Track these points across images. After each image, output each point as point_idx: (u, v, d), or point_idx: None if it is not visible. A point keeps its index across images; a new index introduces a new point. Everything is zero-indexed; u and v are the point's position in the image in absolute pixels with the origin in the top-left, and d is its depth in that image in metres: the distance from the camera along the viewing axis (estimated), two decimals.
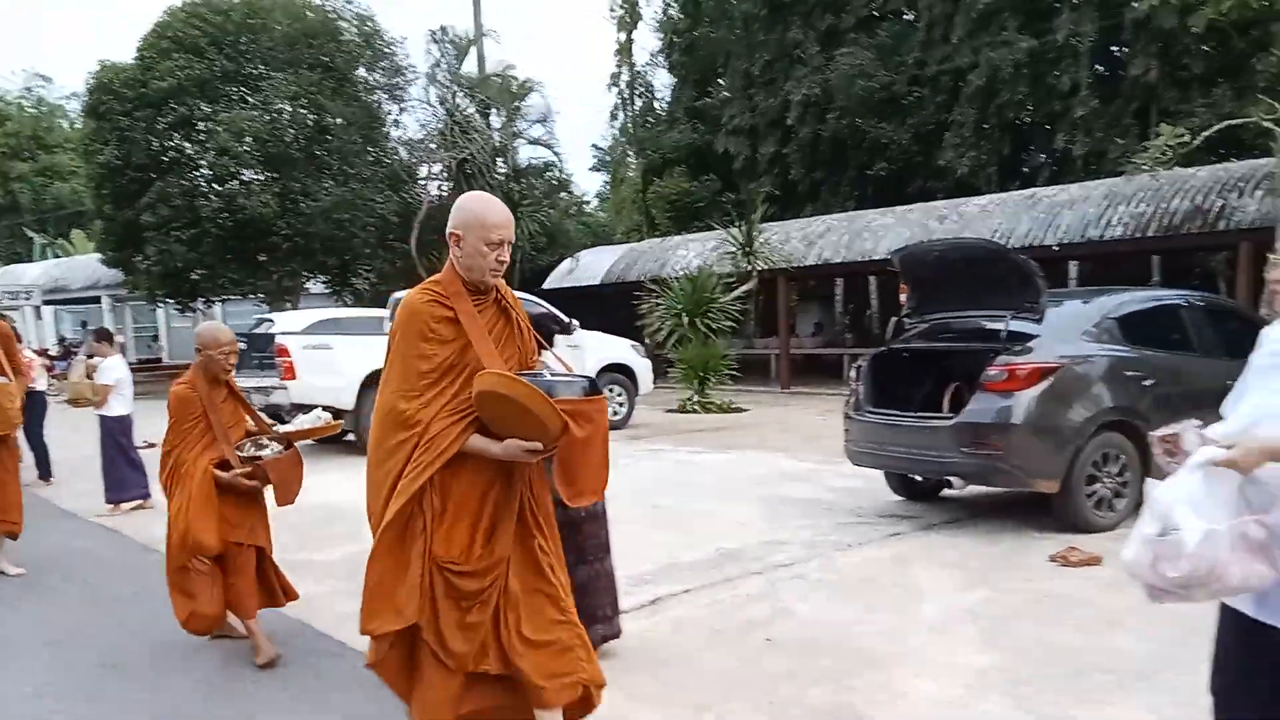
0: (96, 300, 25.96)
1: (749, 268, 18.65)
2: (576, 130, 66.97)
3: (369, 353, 10.33)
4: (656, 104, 32.24)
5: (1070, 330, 6.66)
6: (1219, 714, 2.41)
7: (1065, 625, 4.70)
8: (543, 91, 24.63)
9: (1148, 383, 6.60)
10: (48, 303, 27.00)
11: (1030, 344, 6.49)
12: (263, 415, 4.92)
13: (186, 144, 19.39)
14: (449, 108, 22.81)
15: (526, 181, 25.38)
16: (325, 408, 5.79)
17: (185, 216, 19.10)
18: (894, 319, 8.12)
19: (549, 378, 2.85)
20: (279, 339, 10.89)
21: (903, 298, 7.75)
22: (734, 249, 18.80)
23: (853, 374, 7.49)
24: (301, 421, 4.86)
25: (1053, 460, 6.28)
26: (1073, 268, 21.39)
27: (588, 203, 36.88)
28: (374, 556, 2.82)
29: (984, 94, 22.47)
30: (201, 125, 19.43)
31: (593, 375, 2.53)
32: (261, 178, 19.48)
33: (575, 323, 13.02)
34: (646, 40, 33.59)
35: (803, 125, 25.92)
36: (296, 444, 4.74)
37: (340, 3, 22.22)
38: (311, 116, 20.04)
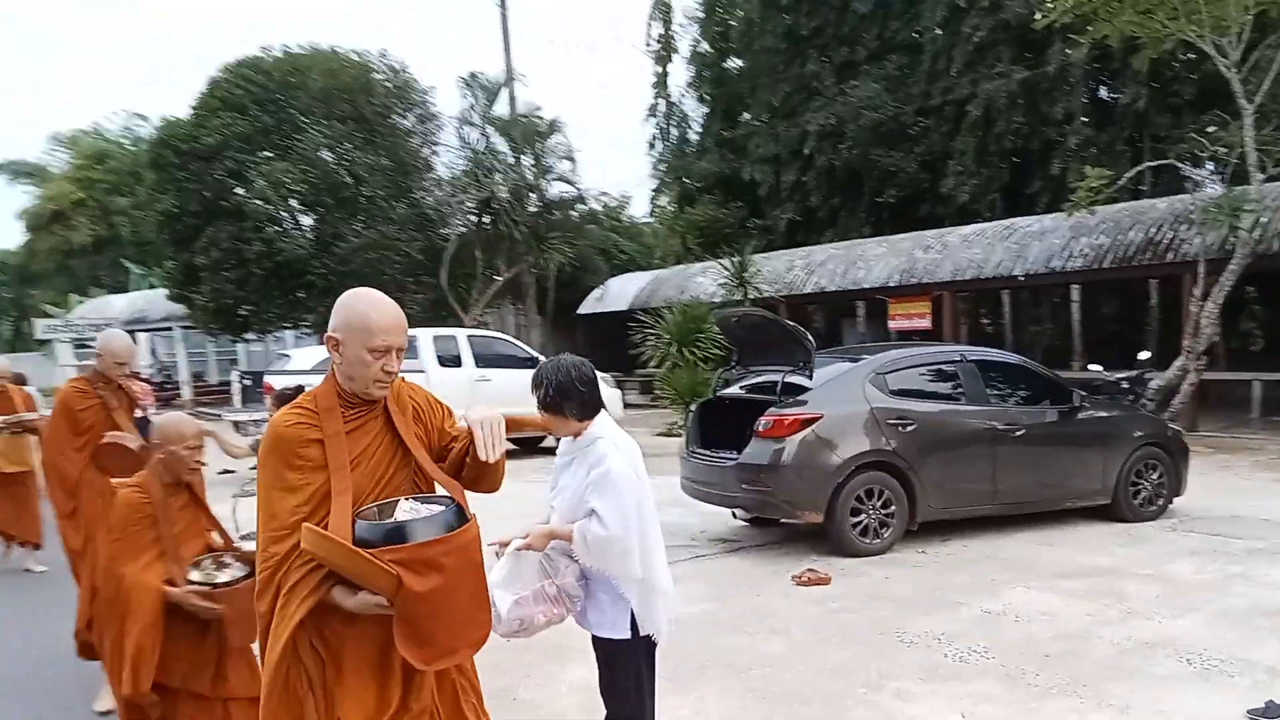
0: (169, 329, 28.60)
1: (741, 297, 19.84)
2: (621, 160, 68.86)
3: None
4: (691, 134, 33.54)
5: (841, 384, 7.85)
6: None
7: (739, 632, 5.95)
8: (564, 131, 26.15)
9: (909, 428, 7.75)
10: (130, 332, 29.77)
11: (804, 395, 7.72)
12: (229, 529, 4.06)
13: (234, 193, 21.55)
14: (475, 149, 24.57)
15: (560, 214, 26.96)
16: None
17: (233, 258, 21.29)
18: (719, 371, 9.32)
19: (398, 519, 2.40)
20: (266, 379, 12.63)
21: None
22: (722, 278, 20.01)
23: (682, 420, 8.78)
24: None
25: (815, 495, 7.50)
26: (1075, 291, 22.05)
27: (640, 226, 38.41)
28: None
29: (983, 123, 23.23)
30: (246, 176, 21.58)
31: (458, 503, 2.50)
32: (297, 223, 21.59)
33: (541, 357, 14.49)
34: (682, 74, 34.79)
35: (819, 154, 26.94)
36: None
37: (374, 55, 24.25)
38: (344, 165, 22.02)
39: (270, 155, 22.00)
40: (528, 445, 15.24)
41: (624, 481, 3.34)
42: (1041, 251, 17.51)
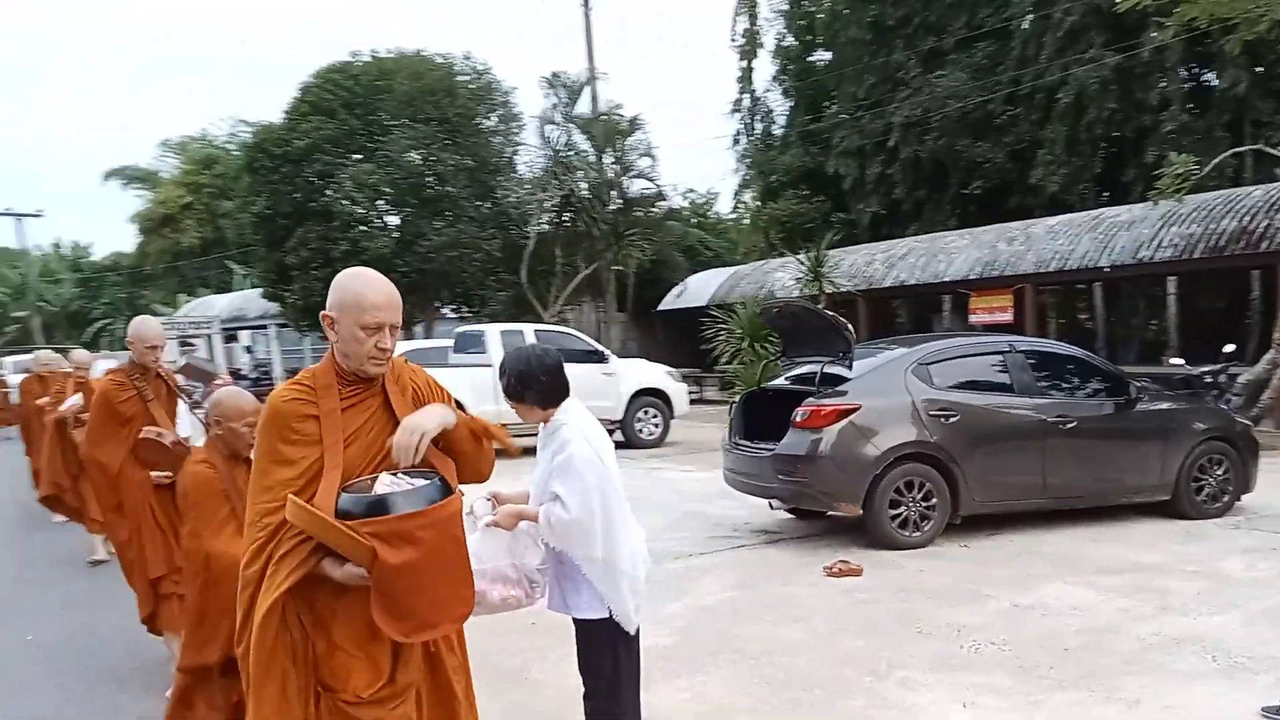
0: (265, 328, 29.71)
1: (816, 291, 19.66)
2: (704, 157, 68.67)
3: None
4: (775, 129, 33.27)
5: (881, 374, 7.76)
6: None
7: (760, 620, 5.96)
8: (644, 128, 26.22)
9: (952, 420, 7.61)
10: (229, 331, 31.15)
11: (843, 386, 7.65)
12: None
13: (322, 195, 22.25)
14: (556, 147, 24.87)
15: (642, 212, 27.06)
16: None
17: (320, 258, 21.99)
18: (763, 362, 9.27)
19: (378, 493, 2.41)
20: None
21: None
22: (800, 274, 19.86)
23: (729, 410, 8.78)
24: None
25: (852, 486, 7.43)
26: (1171, 283, 21.17)
27: (727, 222, 38.34)
28: (249, 696, 2.52)
29: (1074, 110, 22.48)
30: (334, 178, 22.27)
31: (439, 480, 2.50)
32: (382, 223, 22.17)
33: (608, 351, 14.65)
34: (766, 68, 34.60)
35: (904, 146, 26.47)
36: None
37: (459, 58, 24.75)
38: (428, 166, 22.55)
39: (359, 157, 22.65)
40: None
41: (586, 466, 3.40)
42: (1129, 242, 16.91)
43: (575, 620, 3.62)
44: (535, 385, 3.47)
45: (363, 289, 2.56)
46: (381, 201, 22.74)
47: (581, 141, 26.23)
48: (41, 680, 5.60)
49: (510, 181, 24.59)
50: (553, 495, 3.41)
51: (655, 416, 15.04)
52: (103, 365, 12.54)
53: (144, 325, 5.26)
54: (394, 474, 2.50)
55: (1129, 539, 7.61)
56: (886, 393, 7.63)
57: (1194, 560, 6.90)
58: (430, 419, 2.59)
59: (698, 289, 27.25)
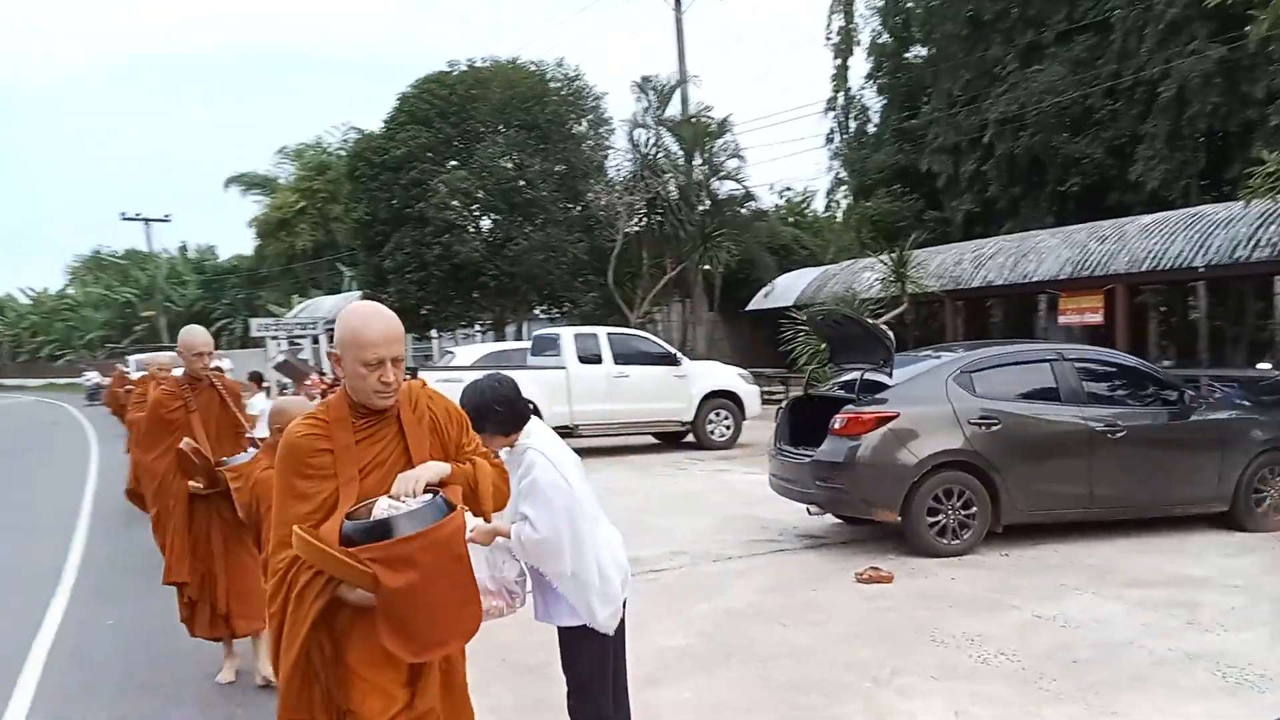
0: None
1: (899, 292, 19.46)
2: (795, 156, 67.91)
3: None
4: (869, 127, 32.92)
5: (921, 382, 7.77)
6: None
7: (778, 624, 6.10)
8: (733, 129, 26.32)
9: (993, 428, 7.59)
10: (331, 331, 32.56)
11: (883, 394, 7.71)
12: None
13: (417, 201, 23.05)
14: (644, 150, 25.19)
15: (730, 212, 27.17)
16: None
17: (415, 261, 22.81)
18: (809, 369, 9.34)
19: (377, 517, 2.45)
20: (420, 373, 13.57)
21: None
22: (886, 274, 19.68)
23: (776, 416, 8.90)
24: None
25: (889, 493, 7.48)
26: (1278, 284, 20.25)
27: (821, 221, 38.05)
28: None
29: (1176, 104, 21.65)
30: (428, 184, 23.05)
31: (440, 497, 2.55)
32: (476, 228, 22.88)
33: (680, 354, 14.86)
34: (861, 66, 34.13)
35: (1000, 142, 25.90)
36: None
37: (551, 64, 25.30)
38: (518, 171, 23.14)
39: (454, 164, 23.39)
40: (670, 439, 15.64)
41: (550, 488, 3.59)
42: (1225, 241, 16.27)
43: (558, 628, 3.86)
44: (492, 416, 3.60)
45: (360, 326, 2.56)
46: (475, 206, 23.47)
47: (671, 143, 26.51)
48: (112, 661, 6.13)
49: (599, 185, 25.00)
50: (521, 516, 3.64)
51: (727, 418, 15.18)
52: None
53: (189, 333, 5.36)
54: (389, 496, 2.54)
55: (1178, 551, 7.47)
56: (926, 400, 7.64)
57: (1239, 574, 6.75)
58: (426, 472, 2.64)
59: (785, 289, 27.19)
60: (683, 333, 27.12)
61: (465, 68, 25.09)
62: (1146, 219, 18.95)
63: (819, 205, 39.01)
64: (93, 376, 41.23)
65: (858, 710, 4.71)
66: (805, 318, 18.78)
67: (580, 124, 25.31)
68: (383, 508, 2.48)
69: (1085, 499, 7.78)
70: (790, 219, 37.31)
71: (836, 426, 7.62)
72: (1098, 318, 18.10)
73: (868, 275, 23.97)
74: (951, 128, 27.85)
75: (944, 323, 22.33)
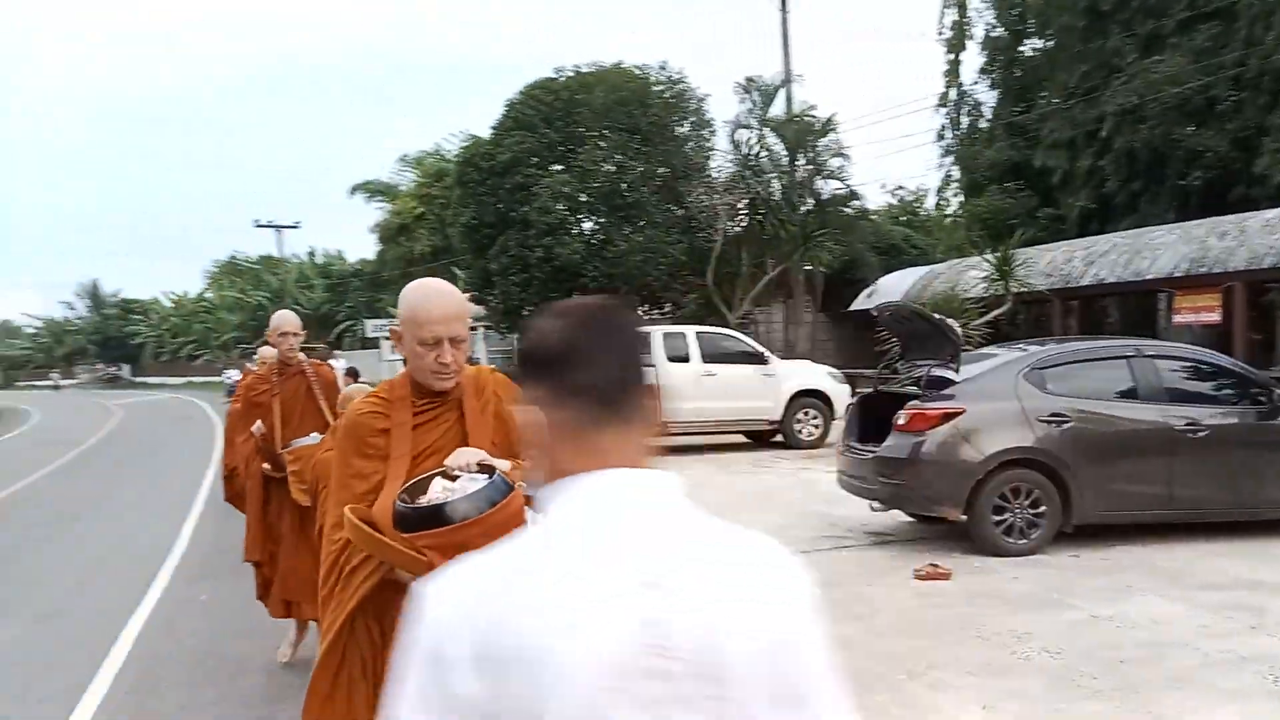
0: (474, 329, 31.73)
1: (1003, 291, 18.96)
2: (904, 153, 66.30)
3: None
4: (981, 123, 32.11)
5: (990, 378, 7.65)
6: None
7: (824, 617, 6.10)
8: (838, 128, 26.03)
9: (1065, 426, 7.41)
10: None
11: (950, 390, 7.62)
12: None
13: (522, 205, 23.59)
14: (745, 151, 25.19)
15: (832, 211, 26.90)
16: None
17: (518, 264, 23.35)
18: (881, 364, 9.26)
19: (433, 500, 2.31)
20: None
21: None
22: (989, 272, 19.21)
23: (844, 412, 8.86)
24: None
25: (953, 491, 7.39)
26: None
27: (933, 219, 37.28)
28: (307, 709, 2.52)
29: None
30: (532, 189, 23.57)
31: (501, 476, 2.33)
32: (579, 230, 23.30)
33: (768, 353, 14.88)
34: (973, 60, 33.26)
35: (1118, 136, 24.98)
36: None
37: (654, 67, 25.53)
38: (620, 174, 23.45)
39: (558, 168, 23.86)
40: (760, 438, 15.63)
41: None
42: None
43: None
44: None
45: (419, 302, 2.44)
46: (578, 209, 23.86)
47: (774, 143, 26.41)
48: (198, 633, 6.58)
49: (700, 186, 25.10)
50: None
51: (815, 418, 15.09)
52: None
53: (277, 316, 5.50)
54: (449, 477, 2.37)
55: (1261, 555, 7.16)
56: (994, 397, 7.53)
57: None
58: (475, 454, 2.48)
59: (889, 288, 26.72)
60: (785, 333, 26.99)
61: (571, 73, 25.53)
62: (1270, 214, 18.01)
63: (930, 203, 38.26)
64: (233, 375, 43.49)
65: (886, 701, 4.73)
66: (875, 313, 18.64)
67: (682, 126, 25.42)
68: (437, 489, 2.35)
69: (1164, 500, 7.52)
70: (902, 218, 36.65)
71: (901, 422, 7.58)
72: (1215, 317, 17.30)
73: (973, 274, 23.42)
74: (1067, 122, 26.99)
75: (1051, 322, 21.59)
